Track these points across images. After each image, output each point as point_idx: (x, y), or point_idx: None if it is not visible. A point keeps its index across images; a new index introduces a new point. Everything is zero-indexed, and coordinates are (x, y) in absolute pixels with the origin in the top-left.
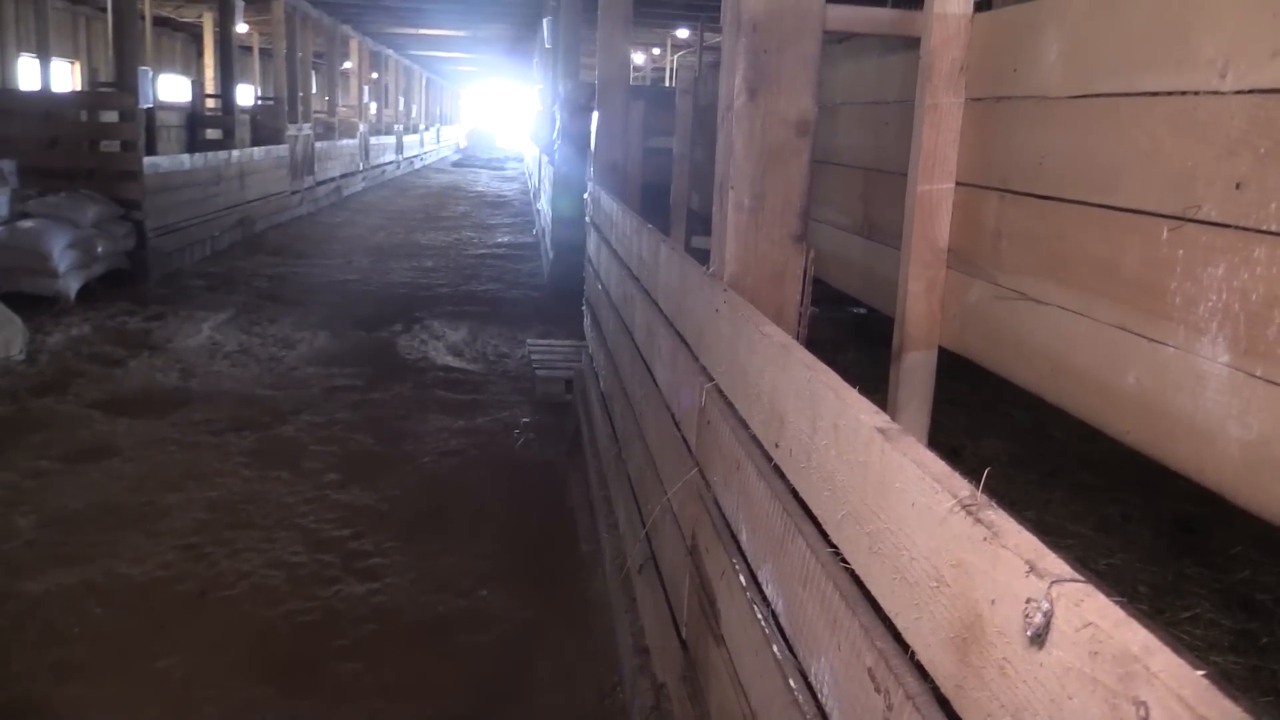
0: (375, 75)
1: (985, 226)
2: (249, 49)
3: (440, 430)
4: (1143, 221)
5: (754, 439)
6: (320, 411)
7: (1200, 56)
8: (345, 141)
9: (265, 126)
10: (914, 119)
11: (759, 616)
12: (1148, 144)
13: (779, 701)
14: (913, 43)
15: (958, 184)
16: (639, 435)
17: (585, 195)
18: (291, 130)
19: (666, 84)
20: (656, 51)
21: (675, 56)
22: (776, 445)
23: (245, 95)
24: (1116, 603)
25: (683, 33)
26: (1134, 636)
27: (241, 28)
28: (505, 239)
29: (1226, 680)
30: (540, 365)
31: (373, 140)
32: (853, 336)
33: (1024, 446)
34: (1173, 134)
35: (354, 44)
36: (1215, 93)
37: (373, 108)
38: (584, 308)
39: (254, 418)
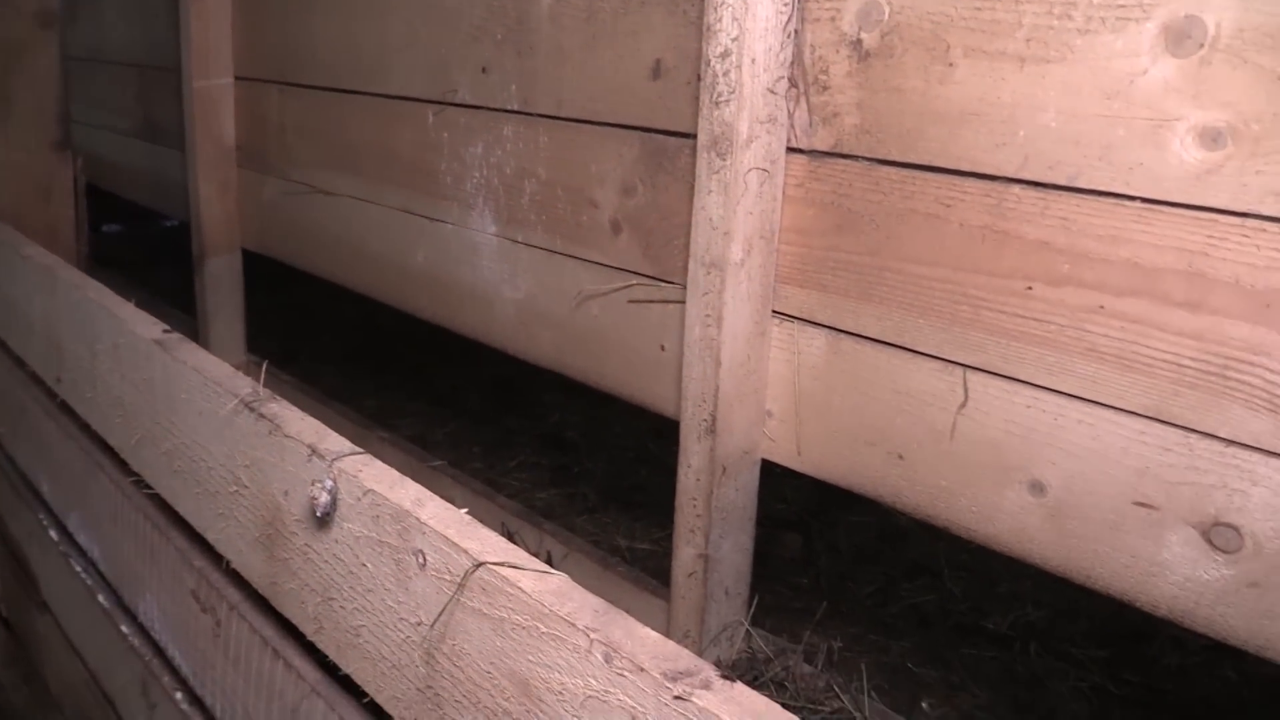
0: None
1: (270, 121)
2: None
3: None
4: (411, 108)
5: (34, 377)
6: None
7: None
8: None
9: None
10: (180, 10)
11: (78, 569)
12: (406, 32)
13: (114, 651)
14: None
15: (238, 78)
16: None
17: None
18: None
19: None
20: None
21: None
22: (59, 380)
23: None
24: (395, 466)
25: None
26: (407, 494)
27: None
28: None
29: (542, 512)
30: None
31: None
32: (167, 252)
33: (359, 339)
34: (426, 23)
35: None
36: None
37: None
38: None
39: None
